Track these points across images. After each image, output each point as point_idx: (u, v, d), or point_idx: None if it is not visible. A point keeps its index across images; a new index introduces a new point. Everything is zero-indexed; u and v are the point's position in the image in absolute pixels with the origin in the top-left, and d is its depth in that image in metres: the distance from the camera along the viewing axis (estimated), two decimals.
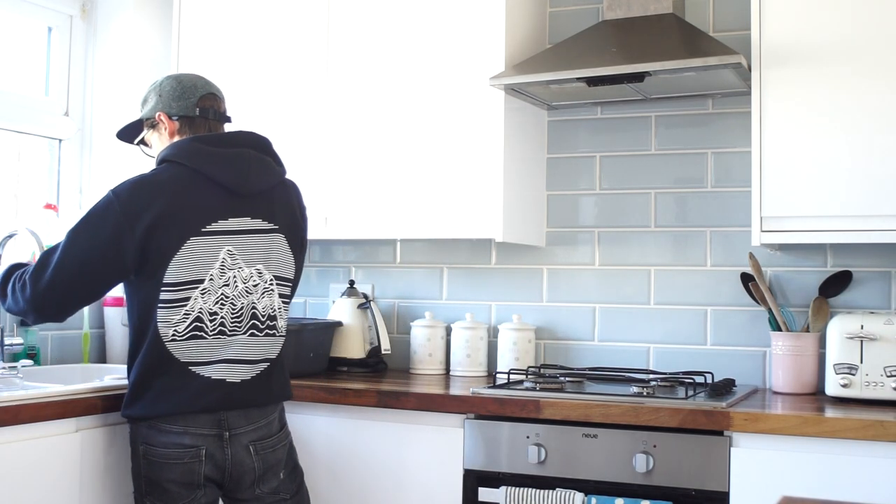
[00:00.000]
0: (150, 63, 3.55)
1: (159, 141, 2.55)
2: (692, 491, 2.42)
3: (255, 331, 2.43)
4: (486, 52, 2.97)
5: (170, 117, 2.51)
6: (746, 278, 2.95)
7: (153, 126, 2.56)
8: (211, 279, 2.37)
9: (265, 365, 2.45)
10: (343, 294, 3.37)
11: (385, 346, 3.25)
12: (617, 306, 3.16)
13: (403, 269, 3.48)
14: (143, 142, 2.63)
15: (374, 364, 3.29)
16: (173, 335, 2.33)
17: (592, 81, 2.81)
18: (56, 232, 3.22)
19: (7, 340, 2.86)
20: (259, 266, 2.44)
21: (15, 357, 2.86)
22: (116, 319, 3.25)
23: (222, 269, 2.38)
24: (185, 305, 2.34)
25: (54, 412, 2.35)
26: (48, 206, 3.23)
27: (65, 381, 2.71)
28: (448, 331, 3.30)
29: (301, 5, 3.24)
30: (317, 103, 3.21)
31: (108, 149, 3.46)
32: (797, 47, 2.65)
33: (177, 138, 2.50)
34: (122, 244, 2.31)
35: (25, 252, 2.98)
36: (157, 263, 2.32)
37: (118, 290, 3.34)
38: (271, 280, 2.47)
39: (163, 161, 2.43)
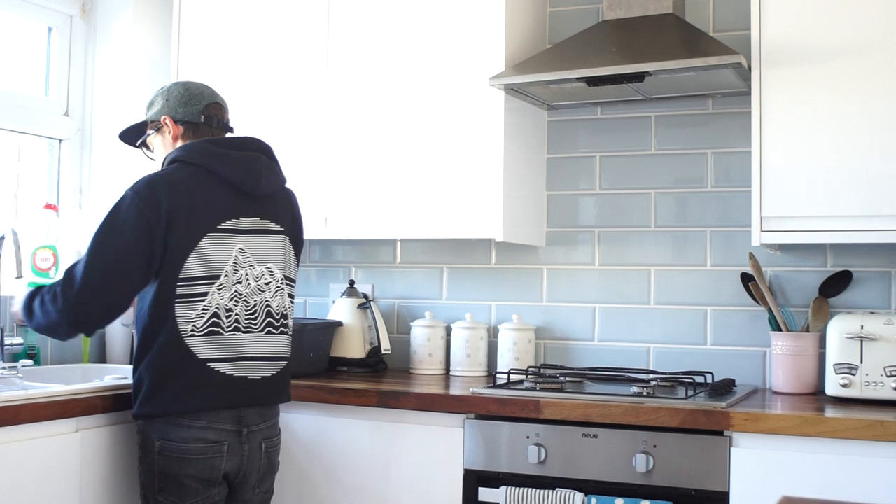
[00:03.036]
0: (149, 63, 3.55)
1: (162, 144, 2.60)
2: (692, 491, 2.42)
3: (271, 329, 2.50)
4: (486, 52, 2.97)
5: (175, 121, 2.57)
6: (746, 278, 2.95)
7: (157, 129, 2.60)
8: (226, 275, 2.41)
9: (283, 364, 2.53)
10: (343, 294, 3.37)
11: (385, 346, 3.25)
12: (617, 306, 3.16)
13: (403, 269, 3.48)
14: (144, 144, 2.67)
15: (374, 364, 3.29)
16: (192, 331, 2.36)
17: (592, 81, 2.80)
18: (56, 232, 3.22)
19: (7, 340, 2.86)
20: (270, 265, 2.51)
21: (15, 357, 2.86)
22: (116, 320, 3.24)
23: (235, 267, 2.43)
24: (203, 301, 2.37)
25: (54, 412, 2.35)
26: (48, 206, 3.23)
27: (65, 381, 2.72)
28: (448, 331, 3.30)
29: (301, 6, 3.24)
30: (317, 103, 3.21)
31: (108, 149, 3.46)
32: (797, 47, 2.65)
33: (180, 143, 2.56)
34: (151, 236, 2.34)
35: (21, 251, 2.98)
36: (176, 258, 2.36)
37: None
38: (282, 279, 2.54)
39: (174, 161, 2.47)
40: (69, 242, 3.30)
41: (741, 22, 2.96)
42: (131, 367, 3.09)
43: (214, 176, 2.44)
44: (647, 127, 3.15)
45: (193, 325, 2.36)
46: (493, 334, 3.27)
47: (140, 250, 2.33)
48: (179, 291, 2.35)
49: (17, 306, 2.52)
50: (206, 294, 2.38)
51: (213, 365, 2.38)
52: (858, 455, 2.27)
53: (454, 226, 3.02)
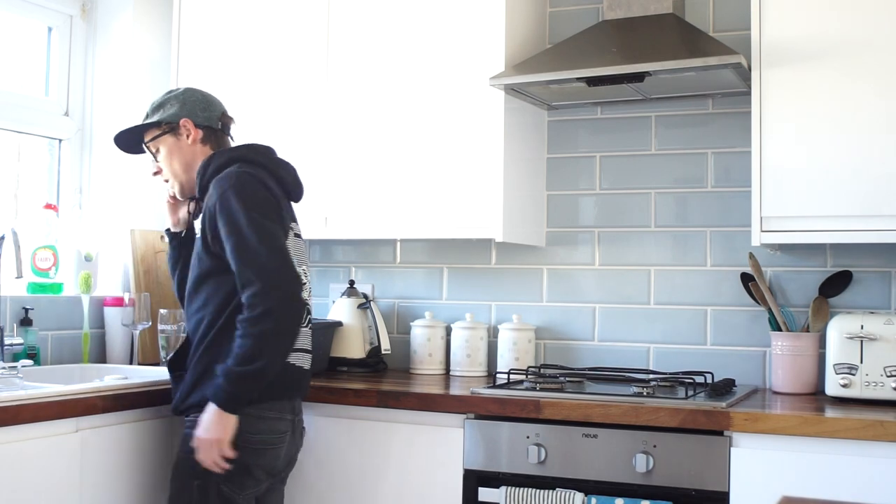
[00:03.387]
0: (149, 63, 3.55)
1: (177, 146, 2.59)
2: (692, 491, 2.42)
3: (310, 324, 2.58)
4: (486, 52, 2.97)
5: (195, 125, 2.58)
6: (746, 278, 2.95)
7: (172, 131, 2.59)
8: None
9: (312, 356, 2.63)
10: (343, 294, 3.37)
11: (385, 346, 3.25)
12: (617, 306, 3.16)
13: (403, 269, 3.47)
14: (148, 146, 2.65)
15: (374, 364, 3.29)
16: None
17: (592, 81, 2.80)
18: (56, 232, 3.23)
19: (7, 340, 2.86)
20: (304, 267, 2.58)
21: (15, 357, 2.86)
22: (116, 319, 3.25)
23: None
24: None
25: (54, 412, 2.34)
26: (48, 206, 3.23)
27: (65, 381, 2.71)
28: (448, 331, 3.30)
29: (301, 6, 3.24)
30: (317, 103, 3.21)
31: (108, 149, 3.45)
32: (797, 47, 2.65)
33: (198, 147, 2.58)
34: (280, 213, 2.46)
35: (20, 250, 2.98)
36: None
37: (117, 290, 3.36)
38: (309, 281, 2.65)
39: (236, 161, 2.48)
40: (69, 242, 3.30)
41: (741, 22, 2.96)
42: (130, 366, 3.11)
43: (276, 180, 2.52)
44: (647, 127, 3.15)
45: None
46: (493, 334, 3.27)
47: (281, 212, 2.47)
48: None
49: (229, 389, 2.29)
50: None
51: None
52: (858, 455, 2.27)
53: (454, 226, 3.02)
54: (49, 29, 3.44)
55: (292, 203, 2.62)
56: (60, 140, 3.45)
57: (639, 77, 2.73)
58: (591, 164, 3.22)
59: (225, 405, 2.29)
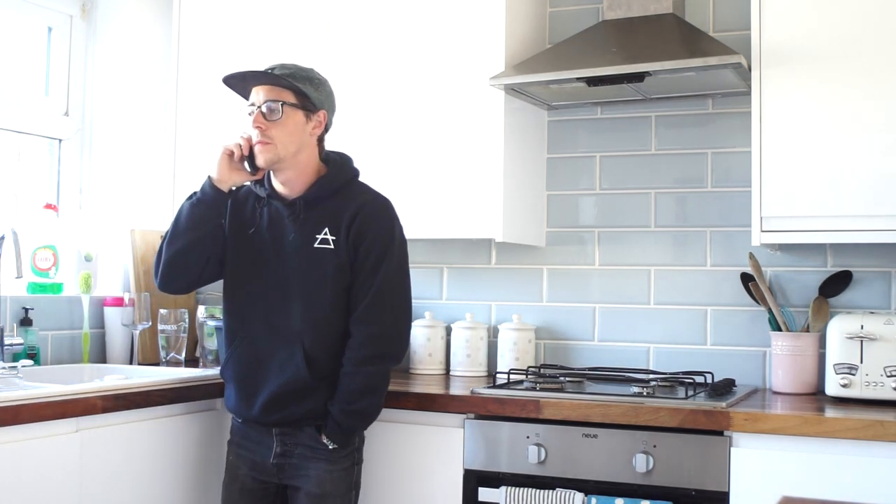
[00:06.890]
0: (149, 63, 3.55)
1: (302, 127, 2.48)
2: (692, 491, 2.42)
3: None
4: (486, 52, 2.97)
5: (325, 123, 2.57)
6: (746, 278, 2.95)
7: (308, 112, 2.49)
8: None
9: None
10: None
11: None
12: (617, 306, 3.16)
13: None
14: (277, 106, 2.46)
15: None
16: None
17: (592, 81, 2.81)
18: (56, 232, 3.22)
19: (7, 340, 2.86)
20: None
21: (15, 357, 2.86)
22: (116, 319, 3.24)
23: None
24: None
25: (54, 412, 2.34)
26: (48, 206, 3.23)
27: (65, 381, 2.71)
28: (448, 331, 3.30)
29: (301, 5, 3.24)
30: None
31: (108, 149, 3.47)
32: (797, 47, 2.65)
33: (312, 141, 2.54)
34: None
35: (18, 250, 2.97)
36: None
37: (117, 290, 3.35)
38: None
39: (357, 174, 2.64)
40: (69, 242, 3.30)
41: (741, 22, 2.96)
42: (130, 366, 3.10)
43: None
44: (647, 127, 3.15)
45: None
46: (493, 334, 3.27)
47: None
48: None
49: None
50: None
51: None
52: (858, 455, 2.27)
53: (454, 226, 3.02)
54: (49, 29, 3.44)
55: None
56: (60, 140, 3.45)
57: (639, 77, 2.73)
58: (591, 164, 3.22)
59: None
